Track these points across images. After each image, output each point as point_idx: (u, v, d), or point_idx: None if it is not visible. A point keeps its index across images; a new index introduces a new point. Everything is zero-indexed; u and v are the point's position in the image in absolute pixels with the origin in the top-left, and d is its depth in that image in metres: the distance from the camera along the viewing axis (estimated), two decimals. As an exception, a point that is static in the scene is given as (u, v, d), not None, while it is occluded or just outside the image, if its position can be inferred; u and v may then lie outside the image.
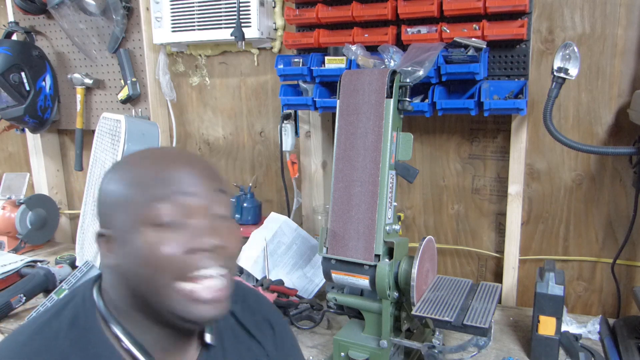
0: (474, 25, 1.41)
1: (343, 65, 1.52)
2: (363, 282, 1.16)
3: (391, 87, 1.16)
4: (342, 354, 1.18)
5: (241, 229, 1.82)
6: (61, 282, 1.64)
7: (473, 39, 1.37)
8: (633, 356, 1.20)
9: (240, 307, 0.85)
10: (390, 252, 1.15)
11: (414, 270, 1.10)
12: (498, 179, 1.62)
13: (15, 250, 2.06)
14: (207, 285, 0.66)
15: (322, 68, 1.55)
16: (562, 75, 1.28)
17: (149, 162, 0.70)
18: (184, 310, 0.66)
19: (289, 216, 1.77)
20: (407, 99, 1.19)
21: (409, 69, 1.30)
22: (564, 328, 1.33)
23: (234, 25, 1.70)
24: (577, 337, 1.31)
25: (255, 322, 0.86)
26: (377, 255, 1.14)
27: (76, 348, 0.67)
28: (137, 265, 0.65)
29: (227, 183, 0.74)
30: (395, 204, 1.20)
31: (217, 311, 0.67)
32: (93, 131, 1.87)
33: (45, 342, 0.67)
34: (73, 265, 1.82)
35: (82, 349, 0.67)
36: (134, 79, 2.00)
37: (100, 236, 0.70)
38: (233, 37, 1.70)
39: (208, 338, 0.76)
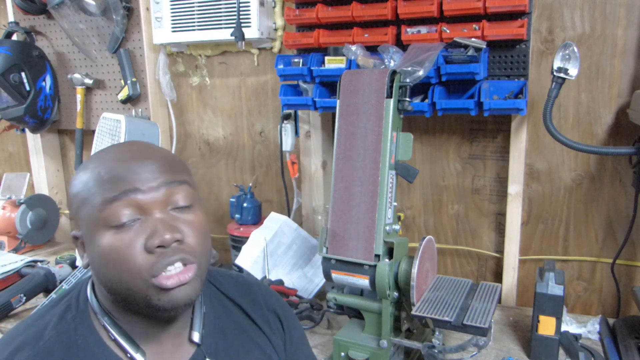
0: (474, 26, 1.41)
1: (343, 65, 1.52)
2: (363, 282, 1.16)
3: (391, 87, 1.16)
4: (342, 354, 1.19)
5: (241, 229, 1.82)
6: (61, 282, 1.64)
7: (473, 39, 1.37)
8: (633, 356, 1.20)
9: (247, 300, 0.86)
10: (390, 252, 1.15)
11: (414, 270, 1.10)
12: (498, 179, 1.62)
13: (16, 250, 2.06)
14: (167, 275, 0.66)
15: (322, 68, 1.55)
16: (562, 75, 1.28)
17: (104, 162, 0.70)
18: (152, 302, 0.67)
19: (289, 216, 1.77)
20: (407, 99, 1.19)
21: (409, 69, 1.30)
22: (563, 328, 1.33)
23: (234, 25, 1.70)
24: (577, 337, 1.31)
25: (263, 314, 0.87)
26: (377, 255, 1.14)
27: (62, 338, 0.69)
28: (102, 265, 0.68)
29: (187, 173, 0.74)
30: (395, 204, 1.20)
31: (183, 296, 0.68)
32: (93, 131, 1.87)
33: (36, 333, 0.70)
34: (73, 265, 1.82)
35: (68, 340, 0.69)
36: (134, 79, 2.00)
37: (74, 238, 0.73)
38: (233, 37, 1.70)
39: (195, 337, 0.77)
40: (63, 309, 0.73)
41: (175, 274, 0.67)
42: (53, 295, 1.52)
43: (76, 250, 1.88)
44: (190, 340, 0.77)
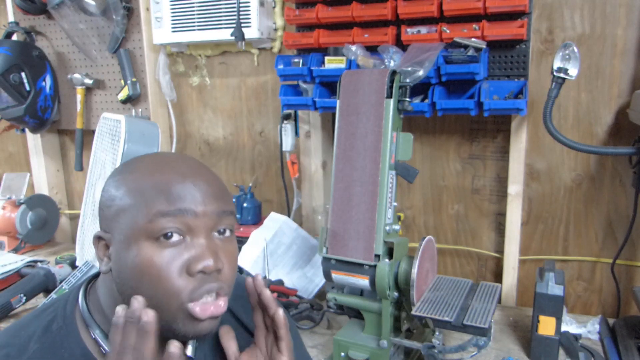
0: (474, 26, 1.41)
1: (343, 66, 1.52)
2: (363, 282, 1.16)
3: (391, 87, 1.16)
4: (342, 354, 1.19)
5: (241, 229, 1.82)
6: (61, 282, 1.64)
7: (473, 39, 1.37)
8: (633, 356, 1.20)
9: (239, 302, 0.84)
10: (390, 252, 1.15)
11: (414, 270, 1.10)
12: (498, 179, 1.62)
13: (16, 250, 2.06)
14: (202, 306, 0.65)
15: (322, 68, 1.55)
16: (561, 75, 1.28)
17: (159, 172, 0.68)
18: (177, 326, 0.65)
19: (289, 216, 1.77)
20: (407, 99, 1.19)
21: (409, 69, 1.30)
22: (563, 328, 1.33)
23: (234, 25, 1.70)
24: (576, 337, 1.31)
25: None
26: (377, 255, 1.14)
27: (47, 352, 0.66)
28: (131, 276, 0.65)
29: (232, 203, 0.74)
30: (395, 204, 1.20)
31: (209, 328, 0.67)
32: (93, 131, 1.87)
33: (20, 345, 0.66)
34: (73, 265, 1.82)
35: (53, 354, 0.66)
36: (134, 79, 2.00)
37: (98, 239, 0.69)
38: (233, 37, 1.70)
39: (189, 351, 0.74)
40: (48, 320, 0.70)
41: (211, 304, 0.66)
42: (53, 295, 1.52)
43: (76, 251, 1.89)
44: (184, 354, 0.75)
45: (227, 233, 0.70)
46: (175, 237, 0.65)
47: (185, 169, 0.69)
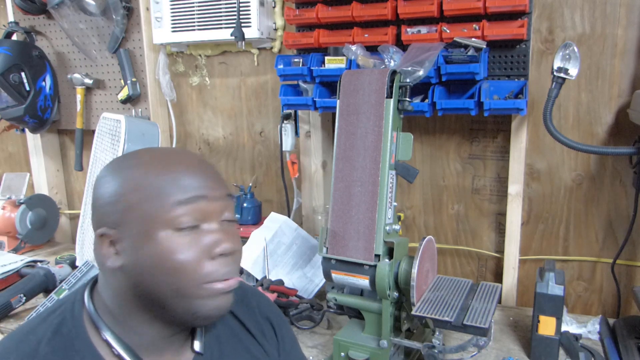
0: (474, 25, 1.41)
1: (343, 65, 1.52)
2: (363, 282, 1.16)
3: (391, 87, 1.16)
4: (342, 354, 1.18)
5: (241, 229, 1.82)
6: (61, 282, 1.64)
7: (473, 39, 1.37)
8: (633, 356, 1.20)
9: (241, 307, 0.85)
10: (390, 252, 1.15)
11: (414, 270, 1.10)
12: (498, 179, 1.62)
13: (15, 250, 2.06)
14: (222, 286, 0.69)
15: (322, 68, 1.55)
16: (562, 75, 1.28)
17: (164, 164, 0.69)
18: (199, 307, 0.68)
19: (289, 216, 1.77)
20: (407, 99, 1.19)
21: (409, 69, 1.30)
22: (564, 328, 1.33)
23: (234, 25, 1.70)
24: (577, 337, 1.31)
25: (256, 321, 0.86)
26: (377, 255, 1.14)
27: (58, 355, 0.66)
28: (152, 266, 0.66)
29: (230, 187, 0.76)
30: (395, 204, 1.19)
31: (228, 303, 0.71)
32: (93, 131, 1.87)
33: (30, 349, 0.66)
34: (73, 265, 1.82)
35: (64, 356, 0.66)
36: (134, 79, 2.00)
37: (103, 236, 0.68)
38: (233, 37, 1.70)
39: (197, 346, 0.76)
40: (57, 323, 0.69)
41: (230, 280, 0.70)
42: (53, 295, 1.52)
43: (76, 251, 1.88)
44: (193, 350, 0.76)
45: (233, 217, 0.73)
46: (192, 224, 0.67)
47: (186, 159, 0.71)
